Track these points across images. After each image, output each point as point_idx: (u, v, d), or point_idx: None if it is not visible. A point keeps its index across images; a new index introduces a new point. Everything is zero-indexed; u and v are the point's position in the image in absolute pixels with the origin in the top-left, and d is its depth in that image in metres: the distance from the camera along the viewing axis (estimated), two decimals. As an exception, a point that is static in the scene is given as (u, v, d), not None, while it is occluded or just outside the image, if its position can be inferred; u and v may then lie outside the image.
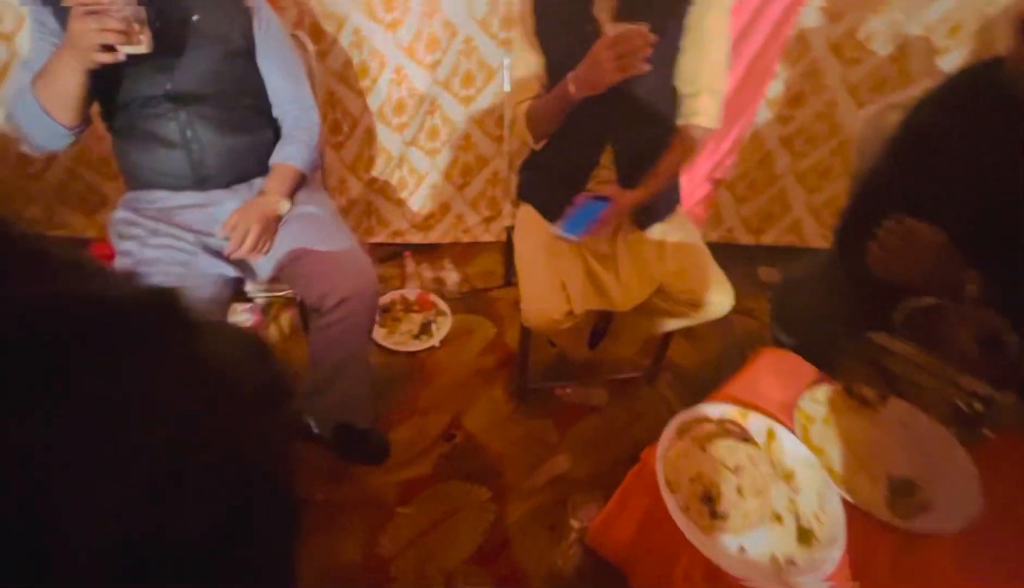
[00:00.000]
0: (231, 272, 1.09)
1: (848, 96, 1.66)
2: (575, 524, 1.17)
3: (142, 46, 0.89)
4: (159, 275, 1.00)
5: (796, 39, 1.57)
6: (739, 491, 0.78)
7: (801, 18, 1.52)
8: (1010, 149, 0.78)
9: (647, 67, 0.90)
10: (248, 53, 1.11)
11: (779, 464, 0.83)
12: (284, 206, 1.14)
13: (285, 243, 1.11)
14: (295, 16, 1.50)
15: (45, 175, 1.82)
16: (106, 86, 1.01)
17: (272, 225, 1.11)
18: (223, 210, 1.11)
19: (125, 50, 0.88)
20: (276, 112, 1.20)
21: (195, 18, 1.04)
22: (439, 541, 1.19)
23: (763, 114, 1.72)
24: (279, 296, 1.28)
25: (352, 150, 1.78)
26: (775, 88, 1.67)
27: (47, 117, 0.95)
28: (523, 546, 1.19)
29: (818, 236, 1.94)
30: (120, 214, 1.08)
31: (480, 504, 1.26)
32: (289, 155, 1.16)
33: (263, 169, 1.17)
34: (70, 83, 0.91)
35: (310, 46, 1.33)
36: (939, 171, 0.84)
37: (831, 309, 1.04)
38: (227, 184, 1.14)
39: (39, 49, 0.97)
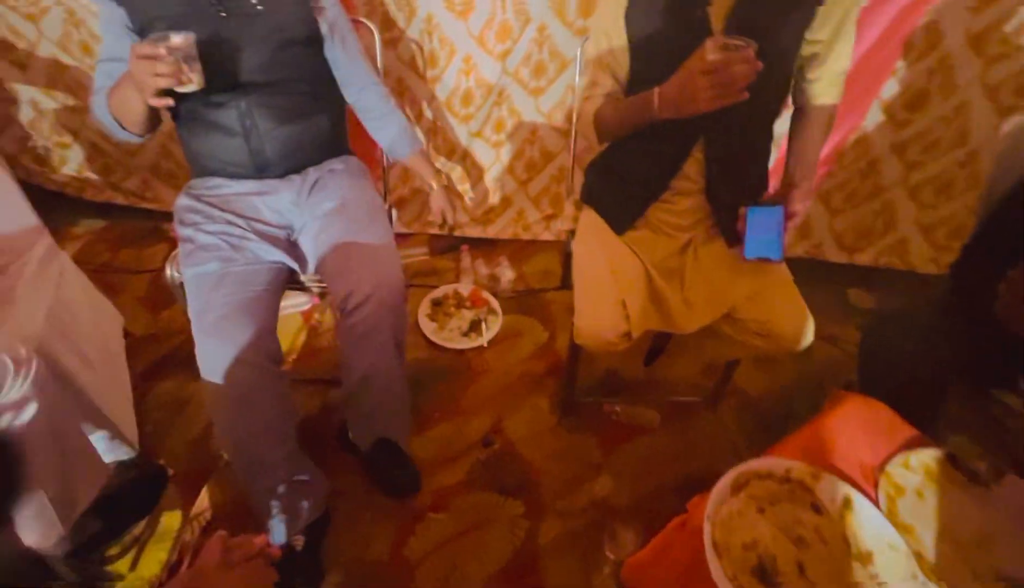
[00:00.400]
0: (283, 260, 1.10)
1: (985, 99, 1.40)
2: (611, 556, 1.09)
3: (193, 84, 0.93)
4: (214, 260, 1.02)
5: (925, 28, 1.34)
6: (801, 569, 0.66)
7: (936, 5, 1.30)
8: None
9: (747, 95, 0.76)
10: (306, 41, 1.10)
11: (855, 542, 0.70)
12: (442, 179, 1.28)
13: (328, 234, 1.10)
14: (367, 4, 1.48)
15: (142, 151, 1.96)
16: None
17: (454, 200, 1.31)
18: (278, 199, 1.13)
19: (177, 89, 0.91)
20: (353, 94, 1.22)
21: (259, 8, 1.03)
22: (467, 552, 1.15)
23: (874, 116, 1.50)
24: (316, 287, 1.28)
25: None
26: (891, 87, 1.45)
27: (121, 129, 1.03)
28: (553, 570, 1.13)
29: (927, 260, 1.68)
30: (182, 201, 1.12)
31: (512, 519, 1.20)
32: (406, 145, 1.27)
33: (318, 157, 1.18)
34: (136, 110, 0.97)
35: (377, 34, 1.31)
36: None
37: (940, 356, 0.87)
38: (284, 173, 1.15)
39: (111, 45, 1.02)
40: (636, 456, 1.33)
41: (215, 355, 0.95)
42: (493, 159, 1.79)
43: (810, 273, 1.77)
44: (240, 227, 1.08)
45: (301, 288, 1.23)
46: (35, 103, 1.89)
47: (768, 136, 1.03)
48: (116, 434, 1.18)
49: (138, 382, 1.42)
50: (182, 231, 1.08)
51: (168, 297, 1.70)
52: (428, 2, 1.47)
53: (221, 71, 1.04)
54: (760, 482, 0.76)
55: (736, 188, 1.02)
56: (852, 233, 1.75)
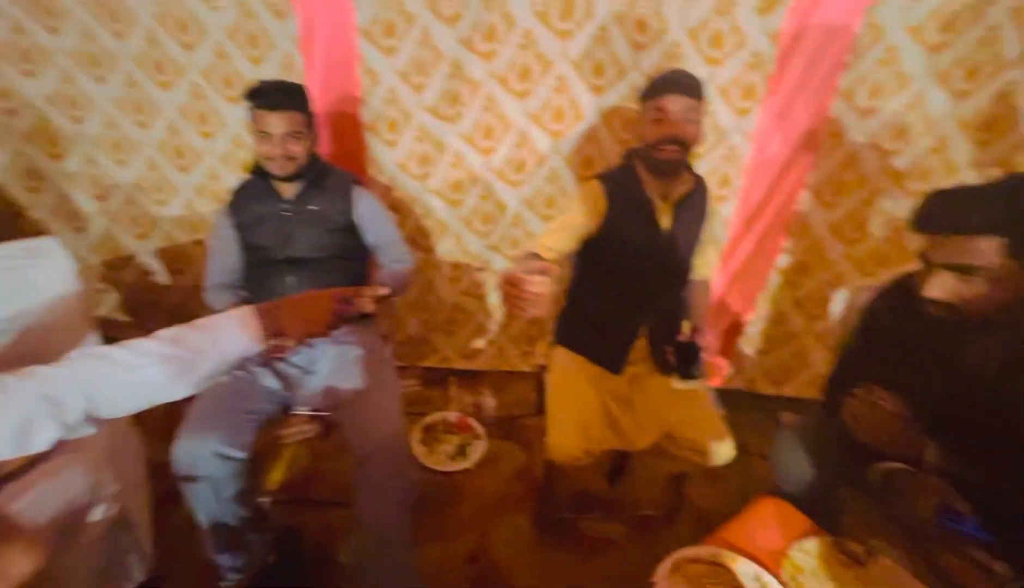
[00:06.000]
0: (279, 390, 1.36)
1: (854, 270, 1.86)
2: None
3: (290, 351, 1.28)
4: (230, 386, 1.29)
5: (798, 218, 1.83)
6: (722, 630, 0.86)
7: (801, 204, 1.80)
8: (938, 348, 0.95)
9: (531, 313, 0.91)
10: (345, 228, 1.48)
11: (765, 610, 0.91)
12: (368, 306, 1.45)
13: (327, 382, 1.36)
14: (381, 191, 1.94)
15: (165, 300, 2.29)
16: (247, 254, 1.44)
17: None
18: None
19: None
20: (385, 262, 1.57)
21: (312, 207, 1.44)
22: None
23: (775, 279, 1.94)
24: (321, 415, 1.49)
25: (412, 294, 2.13)
26: (784, 259, 1.91)
27: None
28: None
29: (841, 391, 2.02)
30: None
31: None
32: (383, 277, 1.53)
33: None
34: None
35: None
36: (891, 354, 1.01)
37: (823, 463, 1.15)
38: None
39: (217, 254, 1.48)
40: (608, 568, 1.49)
41: (183, 446, 1.17)
42: (477, 308, 2.16)
43: (747, 400, 2.09)
44: (255, 363, 1.36)
45: (305, 416, 1.45)
46: (84, 259, 2.24)
47: (684, 300, 1.44)
48: (141, 555, 1.31)
49: (155, 506, 1.55)
50: None
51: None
52: (424, 197, 1.94)
53: (281, 250, 1.41)
54: (692, 565, 0.98)
55: (667, 334, 1.38)
56: (778, 370, 2.10)
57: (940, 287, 0.90)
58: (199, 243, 2.15)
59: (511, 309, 0.92)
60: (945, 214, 0.89)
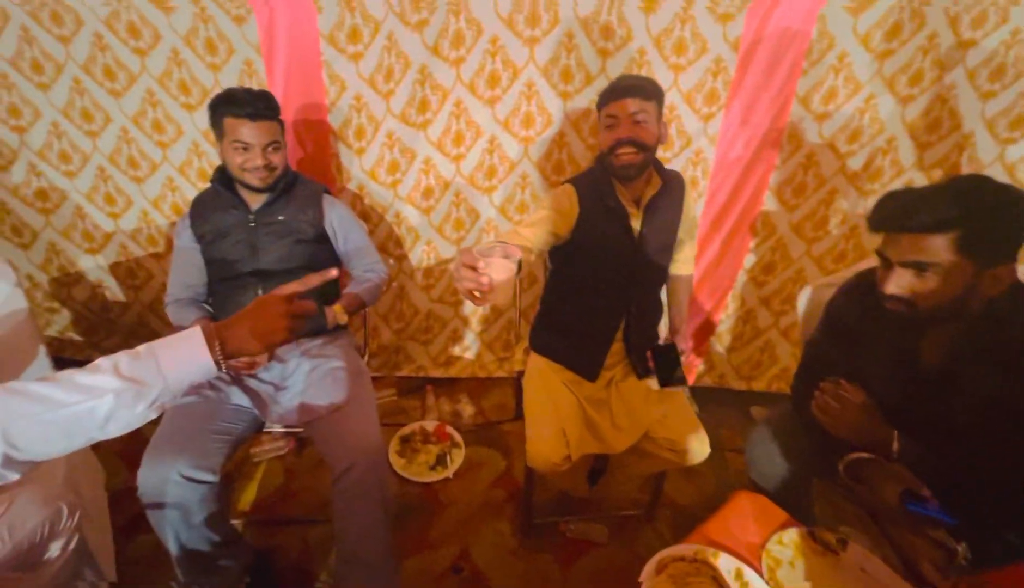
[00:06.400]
0: (250, 407, 1.32)
1: (815, 266, 1.94)
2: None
3: (262, 366, 1.33)
4: (193, 395, 1.25)
5: (763, 217, 1.90)
6: (707, 626, 0.88)
7: (765, 204, 1.86)
8: (896, 341, 1.00)
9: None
10: (315, 239, 1.45)
11: (746, 603, 0.94)
12: (342, 317, 1.43)
13: (301, 397, 1.32)
14: (350, 199, 1.91)
15: (125, 313, 2.18)
16: (211, 267, 1.38)
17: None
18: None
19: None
20: (356, 273, 1.55)
21: (280, 218, 1.40)
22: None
23: (741, 278, 2.00)
24: (294, 432, 1.44)
25: (386, 302, 2.10)
26: (751, 259, 1.97)
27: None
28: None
29: (806, 384, 2.10)
30: None
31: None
32: (355, 286, 1.51)
33: (318, 329, 1.46)
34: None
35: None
36: (854, 348, 1.05)
37: (794, 456, 1.19)
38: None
39: (179, 267, 1.43)
40: (590, 571, 1.50)
41: (148, 471, 1.12)
42: (452, 316, 2.14)
43: (719, 396, 2.14)
44: (225, 381, 1.32)
45: (278, 433, 1.42)
46: (31, 276, 2.12)
47: (659, 301, 1.46)
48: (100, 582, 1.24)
49: (117, 535, 1.47)
50: None
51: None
52: (396, 205, 1.92)
53: (248, 262, 1.37)
54: (675, 563, 0.99)
55: (644, 337, 1.40)
56: (747, 366, 2.16)
57: (897, 283, 0.94)
58: (157, 256, 2.06)
59: (466, 295, 0.86)
60: (898, 214, 0.93)
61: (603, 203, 1.30)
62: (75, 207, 1.97)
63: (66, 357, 2.22)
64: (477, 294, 0.85)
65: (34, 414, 0.67)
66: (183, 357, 0.74)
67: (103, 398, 0.69)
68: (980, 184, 0.88)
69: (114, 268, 2.10)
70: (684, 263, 1.50)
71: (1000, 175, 1.67)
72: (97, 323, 2.23)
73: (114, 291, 2.16)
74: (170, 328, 2.16)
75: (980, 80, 1.58)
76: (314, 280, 0.85)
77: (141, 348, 0.75)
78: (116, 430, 0.71)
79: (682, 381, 1.30)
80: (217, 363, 0.76)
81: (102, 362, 0.72)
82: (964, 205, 0.86)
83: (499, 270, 0.88)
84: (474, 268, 0.84)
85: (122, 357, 0.73)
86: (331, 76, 1.71)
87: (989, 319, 0.91)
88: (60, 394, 0.68)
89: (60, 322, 2.24)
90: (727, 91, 1.68)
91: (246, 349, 0.79)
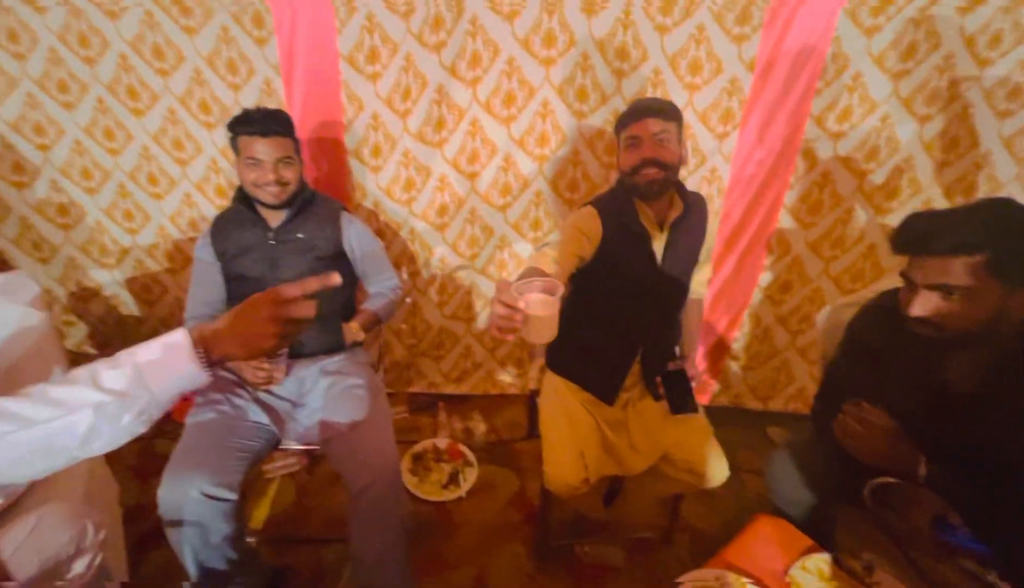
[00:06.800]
0: (268, 424, 1.32)
1: (832, 285, 1.92)
2: None
3: (279, 382, 1.34)
4: (212, 412, 1.26)
5: (778, 235, 1.89)
6: (734, 655, 0.86)
7: (780, 223, 1.86)
8: (921, 364, 0.99)
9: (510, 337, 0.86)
10: (333, 256, 1.46)
11: (773, 632, 0.91)
12: (359, 334, 1.45)
13: (319, 414, 1.32)
14: (365, 216, 1.93)
15: (137, 332, 2.21)
16: (231, 284, 1.39)
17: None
18: (291, 376, 1.41)
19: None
20: (373, 288, 1.57)
21: (300, 236, 1.41)
22: None
23: (757, 297, 1.99)
24: (310, 449, 1.44)
25: (399, 318, 2.10)
26: (767, 277, 1.96)
27: None
28: None
29: (823, 403, 2.08)
30: None
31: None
32: (372, 303, 1.53)
33: (333, 346, 1.46)
34: None
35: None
36: (878, 370, 1.04)
37: (818, 481, 1.17)
38: (300, 356, 1.43)
39: (199, 284, 1.44)
40: (607, 595, 1.47)
41: (168, 488, 1.12)
42: (464, 332, 2.14)
43: (735, 417, 2.12)
44: (243, 397, 1.32)
45: (290, 449, 1.42)
46: (49, 290, 2.14)
47: (678, 324, 1.44)
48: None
49: (130, 551, 1.47)
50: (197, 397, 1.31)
51: (159, 465, 1.80)
52: (410, 221, 1.93)
53: (268, 280, 1.38)
54: (700, 587, 0.97)
55: (661, 360, 1.38)
56: (764, 386, 2.14)
57: (923, 306, 0.93)
58: (173, 271, 2.08)
59: (502, 336, 0.79)
60: (923, 237, 0.92)
61: (626, 226, 1.27)
62: (95, 222, 2.00)
63: (82, 371, 2.23)
64: (510, 333, 0.80)
65: (3, 434, 0.61)
66: (168, 366, 0.68)
67: (80, 413, 0.63)
68: (1008, 207, 0.87)
69: (130, 283, 2.12)
70: (698, 286, 1.48)
71: (1018, 194, 1.66)
72: (112, 337, 2.25)
73: (130, 306, 2.18)
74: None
75: (997, 100, 1.57)
76: (313, 284, 0.76)
77: (121, 355, 0.69)
78: (101, 447, 0.66)
79: (693, 408, 1.29)
80: (202, 368, 0.69)
81: (79, 373, 0.67)
82: (992, 228, 0.85)
83: (541, 307, 0.83)
84: (512, 306, 0.79)
85: (101, 367, 0.67)
86: (349, 96, 1.74)
87: (1018, 343, 0.89)
88: (31, 411, 0.62)
89: (76, 336, 2.26)
90: (742, 110, 1.69)
91: (231, 355, 0.72)
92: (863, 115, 1.66)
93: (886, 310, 1.05)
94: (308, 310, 0.75)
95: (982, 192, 1.71)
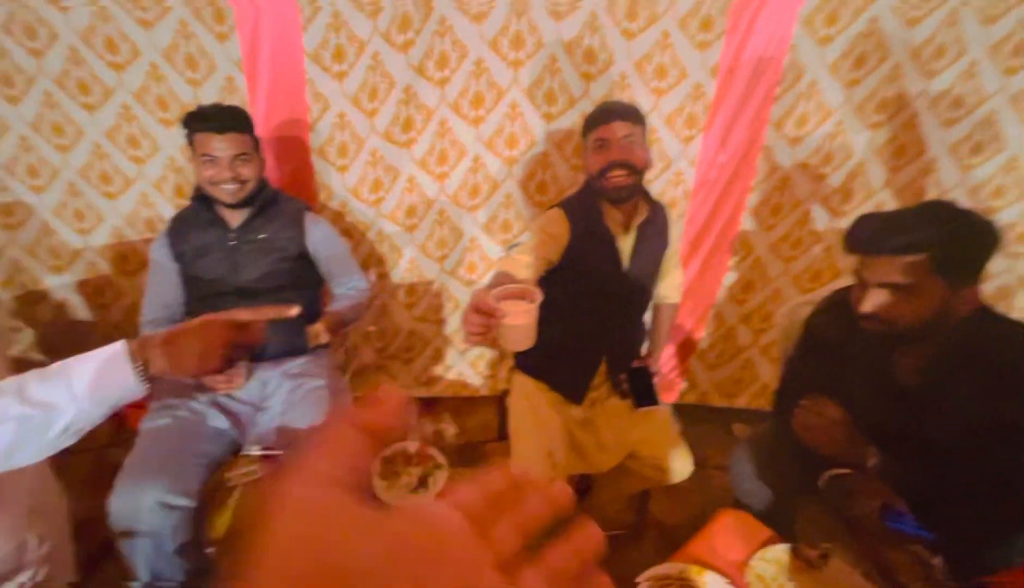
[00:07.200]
0: (227, 428, 1.29)
1: (792, 285, 1.99)
2: None
3: (240, 386, 1.30)
4: (168, 417, 1.22)
5: (740, 237, 1.94)
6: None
7: (743, 224, 1.91)
8: (871, 359, 1.03)
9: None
10: (296, 257, 1.43)
11: (734, 622, 0.94)
12: (323, 336, 1.42)
13: (280, 417, 1.30)
14: (332, 217, 1.89)
15: (89, 338, 2.11)
16: (191, 286, 1.33)
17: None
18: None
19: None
20: (338, 290, 1.53)
21: (262, 236, 1.38)
22: None
23: (722, 295, 2.04)
24: (272, 454, 1.41)
25: (367, 320, 2.07)
26: (731, 277, 2.01)
27: None
28: None
29: (784, 400, 2.14)
30: None
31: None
32: (338, 305, 1.49)
33: (295, 349, 1.43)
34: None
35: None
36: (832, 365, 1.08)
37: (776, 473, 1.20)
38: (262, 359, 1.40)
39: (156, 286, 1.39)
40: (576, 593, 1.47)
41: (121, 497, 1.08)
42: (434, 334, 2.13)
43: (701, 414, 2.16)
44: (201, 402, 1.28)
45: (254, 456, 1.38)
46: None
47: (643, 325, 1.47)
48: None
49: (82, 563, 1.40)
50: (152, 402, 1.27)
51: (114, 476, 1.72)
52: (378, 222, 1.91)
53: (229, 281, 1.34)
54: (662, 583, 0.99)
55: (627, 360, 1.41)
56: (728, 383, 2.19)
57: (872, 303, 0.97)
58: (129, 274, 2.00)
59: (479, 343, 0.79)
60: (872, 237, 0.97)
61: (593, 228, 1.30)
62: (41, 223, 1.90)
63: (28, 378, 2.12)
64: (484, 340, 0.80)
65: None
66: (103, 378, 0.66)
67: (2, 426, 0.62)
68: (946, 209, 0.92)
69: (81, 286, 2.03)
70: (672, 290, 1.52)
71: (963, 198, 1.75)
72: (61, 343, 2.14)
73: (80, 310, 2.08)
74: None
75: (941, 109, 1.66)
76: (269, 313, 0.77)
77: (55, 367, 0.68)
78: (25, 459, 0.65)
79: (655, 401, 1.32)
80: (139, 379, 0.68)
81: (5, 385, 0.65)
82: (932, 228, 0.90)
83: (521, 315, 0.82)
84: (491, 314, 0.78)
85: (30, 379, 0.66)
86: (314, 94, 1.71)
87: (959, 338, 0.94)
88: None
89: (22, 342, 2.15)
90: (706, 115, 1.73)
91: (172, 373, 0.71)
92: (818, 122, 1.72)
93: (839, 307, 1.09)
94: (258, 337, 0.76)
95: (929, 196, 1.80)
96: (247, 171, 1.31)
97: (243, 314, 0.75)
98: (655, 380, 1.30)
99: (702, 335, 2.11)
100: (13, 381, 0.66)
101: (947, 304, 0.93)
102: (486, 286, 0.93)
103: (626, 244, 1.32)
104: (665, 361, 2.02)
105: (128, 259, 1.97)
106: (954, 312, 0.93)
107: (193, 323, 0.73)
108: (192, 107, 1.40)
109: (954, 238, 0.89)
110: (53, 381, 0.66)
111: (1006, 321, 0.94)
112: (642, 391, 1.30)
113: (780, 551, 1.06)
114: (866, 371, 1.04)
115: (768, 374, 2.13)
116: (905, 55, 1.61)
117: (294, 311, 0.80)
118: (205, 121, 1.26)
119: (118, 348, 0.69)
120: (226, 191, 1.29)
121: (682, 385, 2.21)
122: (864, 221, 0.99)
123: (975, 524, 0.92)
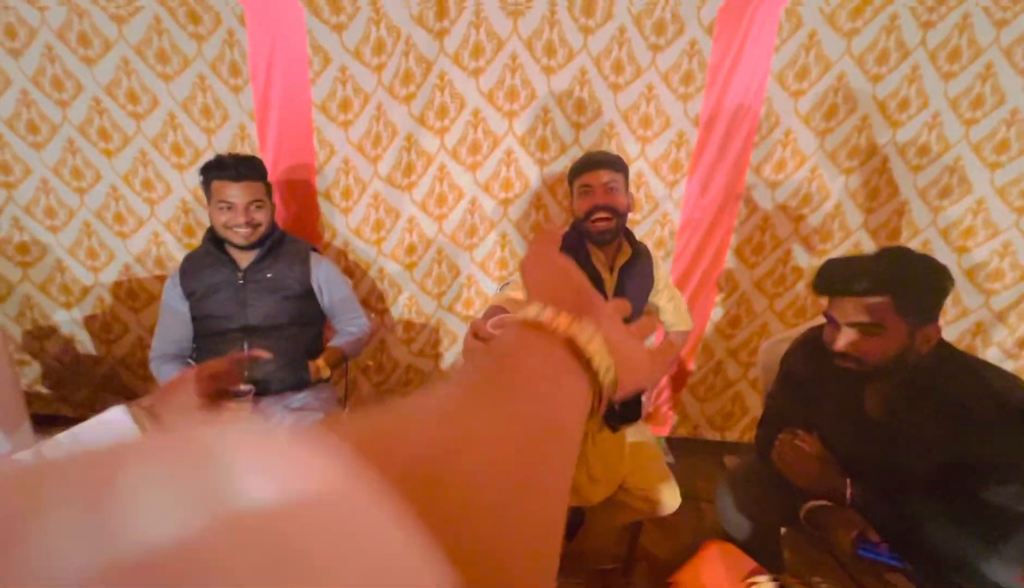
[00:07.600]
0: None
1: (777, 321, 2.06)
2: None
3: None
4: None
5: (726, 275, 2.03)
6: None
7: (728, 262, 2.00)
8: (843, 394, 1.09)
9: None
10: (301, 295, 1.51)
11: (719, 651, 0.97)
12: (325, 371, 1.48)
13: None
14: (335, 255, 1.98)
15: (94, 371, 2.16)
16: (199, 323, 1.41)
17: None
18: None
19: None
20: (340, 327, 1.60)
21: (268, 275, 1.46)
22: None
23: (710, 331, 2.11)
24: None
25: (366, 355, 2.13)
26: (717, 312, 2.08)
27: None
28: None
29: (775, 433, 2.18)
30: None
31: None
32: (339, 340, 1.56)
33: (297, 384, 1.48)
34: None
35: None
36: (808, 400, 1.14)
37: (760, 505, 1.24)
38: (266, 393, 1.45)
39: (166, 323, 1.47)
40: (569, 628, 1.49)
41: None
42: (432, 369, 2.18)
43: (694, 449, 2.19)
44: None
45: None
46: (2, 328, 2.09)
47: None
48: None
49: None
50: None
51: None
52: (379, 261, 2.00)
53: (236, 319, 1.41)
54: (651, 614, 1.02)
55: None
56: (719, 416, 2.24)
57: (845, 341, 1.04)
58: (136, 310, 2.07)
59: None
60: (839, 280, 1.04)
61: (581, 266, 1.37)
62: (55, 261, 1.98)
63: (33, 411, 2.16)
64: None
65: None
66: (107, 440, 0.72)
67: None
68: (902, 254, 1.00)
69: (89, 321, 2.09)
70: (677, 317, 1.60)
71: (935, 238, 1.84)
72: (67, 377, 2.19)
73: (87, 345, 2.14)
74: (141, 381, 2.15)
75: (909, 156, 1.77)
76: (242, 359, 0.89)
77: (63, 436, 0.73)
78: None
79: (638, 416, 1.37)
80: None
81: (23, 457, 0.67)
82: (890, 274, 0.98)
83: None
84: (488, 339, 0.80)
85: (44, 451, 0.69)
86: (321, 141, 1.82)
87: (919, 373, 1.01)
88: None
89: (29, 375, 2.20)
90: (689, 161, 1.84)
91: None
92: (796, 166, 1.83)
93: (812, 344, 1.16)
94: (234, 382, 0.88)
95: (904, 236, 1.89)
96: (260, 216, 1.40)
97: (214, 365, 0.86)
98: (644, 399, 1.35)
99: (692, 368, 2.17)
100: (28, 453, 0.72)
101: (911, 341, 1.00)
102: (482, 317, 0.98)
103: (609, 284, 1.41)
104: (657, 394, 2.07)
105: (137, 295, 2.04)
106: (916, 349, 1.00)
107: (171, 382, 0.83)
108: (206, 153, 1.50)
109: (906, 282, 0.97)
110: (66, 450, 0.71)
111: (960, 359, 1.01)
112: (625, 409, 1.34)
113: (765, 582, 1.09)
114: (839, 405, 1.10)
115: (757, 407, 2.17)
116: (872, 107, 1.73)
117: (264, 355, 0.98)
118: (223, 169, 1.35)
119: (119, 413, 0.75)
120: (240, 234, 1.37)
121: (674, 418, 2.25)
122: (829, 266, 1.07)
123: (943, 552, 0.96)
